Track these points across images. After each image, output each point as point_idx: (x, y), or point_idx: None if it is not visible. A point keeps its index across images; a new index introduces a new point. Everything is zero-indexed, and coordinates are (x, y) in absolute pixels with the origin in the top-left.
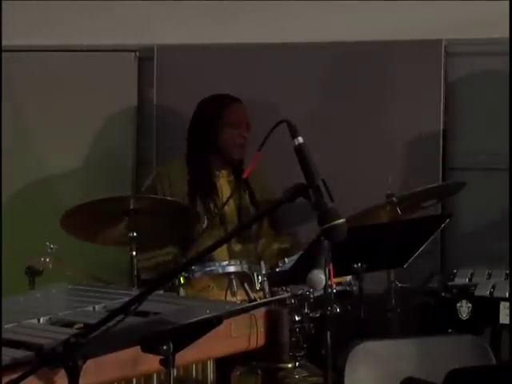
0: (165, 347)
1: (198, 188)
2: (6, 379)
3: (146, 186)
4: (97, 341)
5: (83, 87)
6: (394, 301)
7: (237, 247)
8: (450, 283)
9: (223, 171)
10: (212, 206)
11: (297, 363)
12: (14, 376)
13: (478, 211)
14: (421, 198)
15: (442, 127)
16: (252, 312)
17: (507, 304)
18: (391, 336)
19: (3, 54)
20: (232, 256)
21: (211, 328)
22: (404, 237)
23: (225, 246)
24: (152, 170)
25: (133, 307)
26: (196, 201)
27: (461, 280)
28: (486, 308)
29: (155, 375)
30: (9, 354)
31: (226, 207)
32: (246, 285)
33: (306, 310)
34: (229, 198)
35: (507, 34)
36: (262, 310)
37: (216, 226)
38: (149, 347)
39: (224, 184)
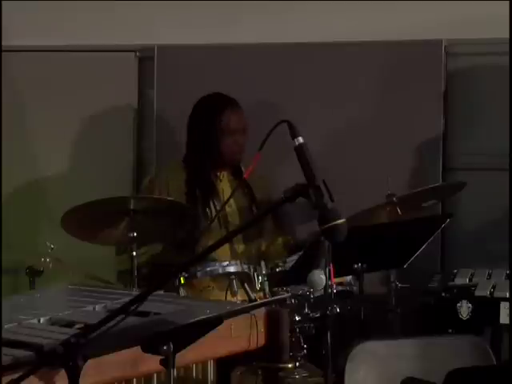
0: (165, 347)
1: (197, 190)
2: (6, 379)
3: (143, 189)
4: (97, 341)
5: (83, 87)
6: (394, 301)
7: (240, 248)
8: (450, 283)
9: (224, 172)
10: (212, 207)
11: (297, 363)
12: (14, 376)
13: (478, 211)
14: (421, 198)
15: (442, 127)
16: (252, 312)
17: (507, 304)
18: (391, 336)
19: (3, 54)
20: (234, 256)
21: (211, 328)
22: (404, 237)
23: (227, 247)
24: (152, 171)
25: (133, 307)
26: (196, 203)
27: (461, 280)
28: (486, 308)
29: (155, 375)
30: (9, 353)
31: (227, 208)
32: (246, 285)
33: (307, 310)
34: (228, 198)
35: (507, 34)
36: (263, 310)
37: (217, 228)
38: (149, 347)
39: (226, 186)
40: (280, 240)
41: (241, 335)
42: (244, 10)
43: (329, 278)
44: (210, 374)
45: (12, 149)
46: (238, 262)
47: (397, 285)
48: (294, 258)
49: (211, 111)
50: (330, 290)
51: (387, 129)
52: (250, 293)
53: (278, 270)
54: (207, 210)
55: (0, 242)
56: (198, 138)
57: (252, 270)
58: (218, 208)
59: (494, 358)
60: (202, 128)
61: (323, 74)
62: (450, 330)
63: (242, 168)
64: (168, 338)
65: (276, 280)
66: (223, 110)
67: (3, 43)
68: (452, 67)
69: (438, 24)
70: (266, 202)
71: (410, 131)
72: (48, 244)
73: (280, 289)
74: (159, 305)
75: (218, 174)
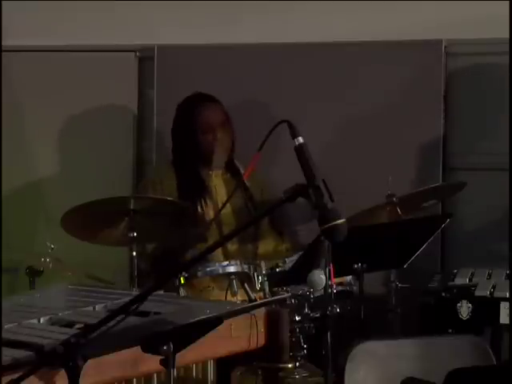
0: (165, 347)
1: (187, 190)
2: (6, 379)
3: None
4: (97, 341)
5: (83, 87)
6: (394, 301)
7: (233, 247)
8: (450, 283)
9: (216, 170)
10: (204, 205)
11: (297, 363)
12: (14, 376)
13: (478, 211)
14: (421, 198)
15: (442, 127)
16: (252, 312)
17: (507, 304)
18: (391, 336)
19: (3, 54)
20: (227, 256)
21: (211, 328)
22: (404, 237)
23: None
24: (152, 171)
25: (133, 307)
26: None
27: (461, 280)
28: (486, 308)
29: (155, 375)
30: (9, 354)
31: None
32: (246, 285)
33: (307, 310)
34: (226, 201)
35: (507, 34)
36: (263, 310)
37: (212, 228)
38: (149, 347)
39: (218, 183)
40: (284, 246)
41: (241, 335)
42: (244, 10)
43: (329, 277)
44: (210, 374)
45: (12, 149)
46: (238, 262)
47: (397, 285)
48: (294, 258)
49: (188, 111)
50: (330, 290)
51: (387, 129)
52: (249, 293)
53: (278, 270)
54: (199, 208)
55: (0, 242)
56: (182, 139)
57: (252, 269)
58: (209, 205)
59: (494, 358)
60: (182, 129)
61: (323, 74)
62: (450, 330)
63: (240, 167)
64: (168, 338)
65: (276, 280)
66: (197, 108)
67: (3, 43)
68: (452, 67)
69: (437, 24)
70: (265, 199)
71: (410, 131)
72: (48, 244)
73: (280, 289)
74: (159, 305)
75: (210, 172)
